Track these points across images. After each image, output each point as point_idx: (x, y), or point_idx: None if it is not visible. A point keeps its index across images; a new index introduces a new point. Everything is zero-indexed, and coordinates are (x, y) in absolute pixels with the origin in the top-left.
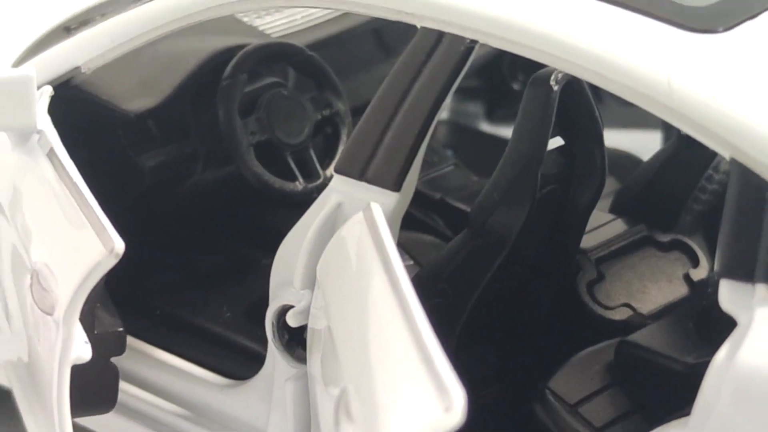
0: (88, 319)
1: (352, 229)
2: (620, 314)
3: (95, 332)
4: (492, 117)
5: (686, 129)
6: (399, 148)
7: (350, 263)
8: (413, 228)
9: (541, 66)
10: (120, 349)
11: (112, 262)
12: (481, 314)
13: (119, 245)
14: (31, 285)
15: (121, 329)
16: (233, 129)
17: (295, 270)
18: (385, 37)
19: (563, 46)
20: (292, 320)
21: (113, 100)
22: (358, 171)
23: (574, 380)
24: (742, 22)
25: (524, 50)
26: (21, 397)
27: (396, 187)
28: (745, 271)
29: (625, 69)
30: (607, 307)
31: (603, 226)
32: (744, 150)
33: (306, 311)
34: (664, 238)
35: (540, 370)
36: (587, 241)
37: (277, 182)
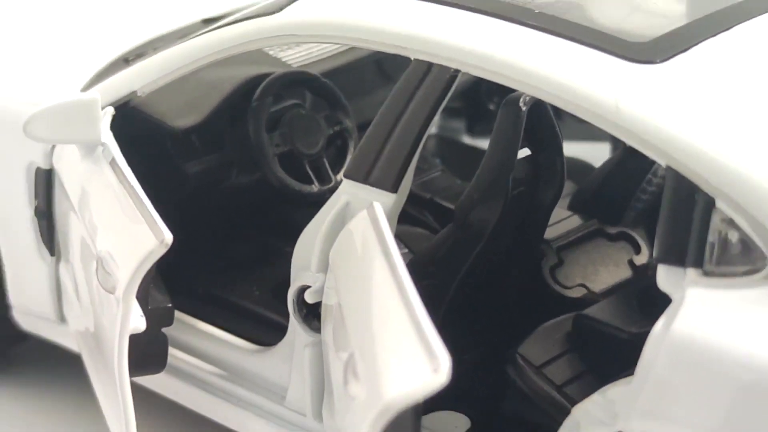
0: (143, 296)
1: (358, 224)
2: (577, 293)
3: (149, 307)
4: (472, 132)
5: (631, 142)
6: (396, 157)
7: (356, 251)
8: (408, 222)
9: (512, 90)
10: (169, 321)
11: (162, 250)
12: (463, 293)
13: (168, 237)
14: (96, 270)
15: (169, 305)
16: (261, 142)
17: (311, 257)
18: (384, 66)
19: (531, 75)
20: (309, 298)
21: (163, 118)
22: (363, 176)
23: (539, 346)
24: (675, 55)
25: (499, 78)
26: (88, 360)
27: (394, 189)
28: (678, 258)
29: (582, 93)
30: (565, 287)
31: (562, 220)
32: (677, 159)
33: (320, 290)
34: (612, 230)
35: (511, 339)
36: (550, 233)
37: (296, 185)
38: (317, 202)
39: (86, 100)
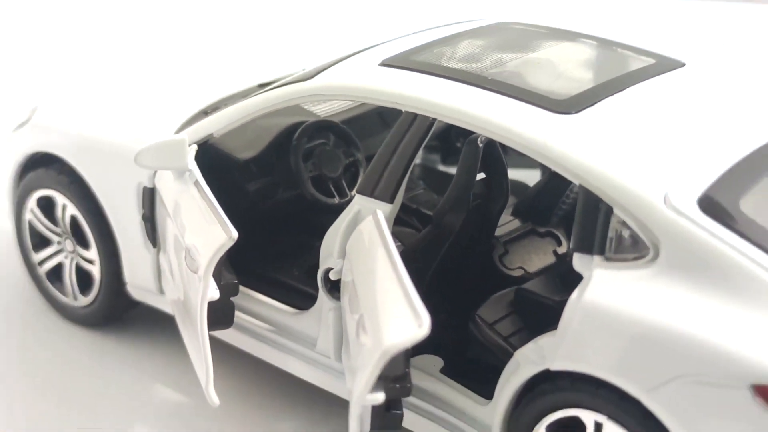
0: (217, 275)
1: (366, 225)
2: (517, 273)
3: (221, 282)
4: (445, 162)
5: (555, 168)
6: (392, 179)
7: (365, 244)
8: (400, 224)
9: (472, 133)
10: (235, 292)
11: (230, 244)
12: (438, 273)
13: (234, 234)
14: (185, 257)
15: (235, 281)
16: (299, 169)
17: (333, 248)
18: (384, 116)
19: (486, 122)
20: (333, 276)
21: (231, 152)
22: (370, 191)
23: (492, 310)
24: (584, 108)
25: (463, 124)
26: (179, 319)
27: (391, 201)
28: (588, 248)
29: (521, 134)
30: (509, 269)
31: (507, 223)
32: (587, 179)
33: (340, 271)
34: (542, 230)
35: (472, 305)
36: (498, 232)
37: (323, 199)
38: (337, 210)
39: (178, 140)
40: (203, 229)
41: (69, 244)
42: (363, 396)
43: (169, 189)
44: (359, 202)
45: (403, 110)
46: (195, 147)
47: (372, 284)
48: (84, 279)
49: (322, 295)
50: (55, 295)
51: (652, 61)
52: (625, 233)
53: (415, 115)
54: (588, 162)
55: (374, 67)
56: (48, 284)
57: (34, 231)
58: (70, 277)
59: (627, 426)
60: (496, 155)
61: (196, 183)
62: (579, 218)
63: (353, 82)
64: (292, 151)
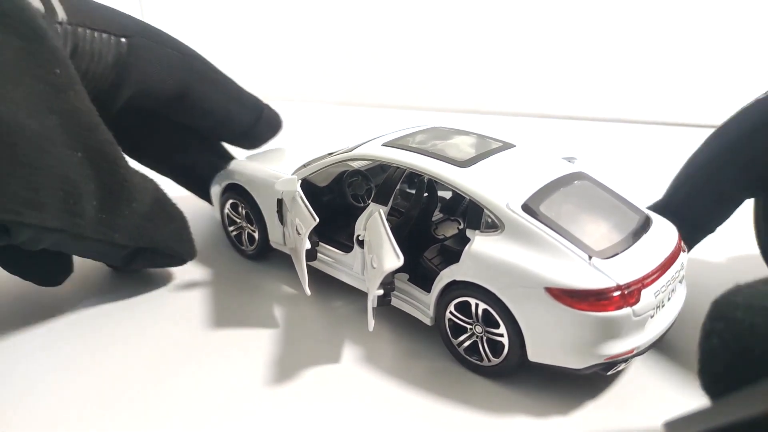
0: (310, 237)
1: (375, 215)
2: (441, 237)
3: (311, 240)
4: (410, 188)
5: (458, 191)
6: (387, 195)
7: (374, 224)
8: (390, 215)
9: (421, 175)
10: (317, 245)
11: (315, 224)
12: (407, 237)
13: (317, 219)
14: (296, 228)
15: (317, 239)
16: (345, 191)
17: (361, 225)
18: (384, 168)
19: (428, 170)
20: (360, 238)
21: (316, 182)
22: (377, 200)
23: (430, 253)
24: (472, 165)
25: (417, 171)
26: (293, 257)
27: (386, 204)
28: (473, 226)
29: (443, 175)
30: (438, 236)
31: (438, 215)
32: (472, 195)
33: (363, 236)
34: (453, 217)
35: (421, 251)
36: (433, 218)
37: (356, 204)
38: (363, 209)
39: (292, 178)
40: (304, 216)
41: (248, 227)
42: (373, 291)
43: (289, 201)
44: (372, 205)
45: (392, 165)
46: (299, 180)
47: (378, 242)
48: (251, 239)
49: (356, 247)
50: (238, 246)
51: (501, 143)
52: (489, 220)
53: (397, 168)
54: (473, 188)
55: (379, 146)
56: (235, 241)
57: (229, 218)
58: (244, 238)
59: (490, 306)
60: (431, 185)
61: (300, 197)
62: (469, 213)
63: (371, 152)
64: (343, 182)
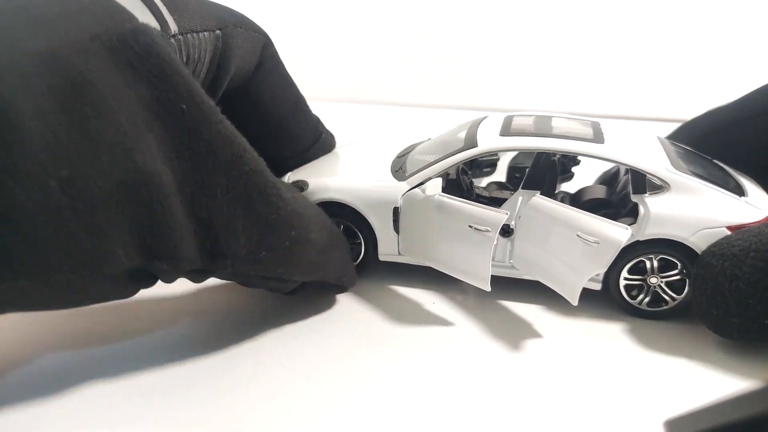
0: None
1: (536, 201)
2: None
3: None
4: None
5: (618, 163)
6: (537, 181)
7: (543, 209)
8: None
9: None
10: None
11: (505, 217)
12: None
13: (507, 213)
14: (472, 228)
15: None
16: (460, 178)
17: (509, 217)
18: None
19: (574, 150)
20: (512, 225)
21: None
22: (527, 187)
23: None
24: (604, 140)
25: (566, 152)
26: (431, 262)
27: (539, 190)
28: (639, 191)
29: (595, 153)
30: None
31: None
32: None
33: (513, 224)
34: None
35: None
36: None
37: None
38: (484, 200)
39: (437, 181)
40: (478, 215)
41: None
42: (596, 270)
43: (409, 206)
44: (524, 192)
45: (535, 152)
46: (440, 181)
47: (568, 223)
48: (356, 250)
49: (496, 236)
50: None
51: (588, 120)
52: (654, 183)
53: (539, 154)
54: (629, 159)
55: (498, 137)
56: None
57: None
58: None
59: (672, 256)
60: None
61: (448, 197)
62: (632, 181)
63: (496, 145)
64: (457, 177)
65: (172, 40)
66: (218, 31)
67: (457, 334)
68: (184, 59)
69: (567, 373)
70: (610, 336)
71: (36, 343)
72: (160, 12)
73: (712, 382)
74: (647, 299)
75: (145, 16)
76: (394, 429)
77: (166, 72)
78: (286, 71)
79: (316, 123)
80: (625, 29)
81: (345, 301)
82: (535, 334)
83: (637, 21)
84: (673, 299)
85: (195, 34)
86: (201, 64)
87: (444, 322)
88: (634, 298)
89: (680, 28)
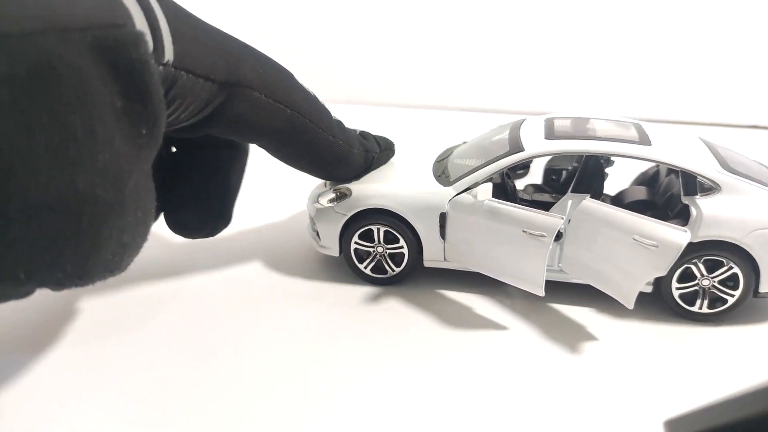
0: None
1: (587, 204)
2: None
3: None
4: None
5: (668, 165)
6: (587, 184)
7: (596, 213)
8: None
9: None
10: None
11: (562, 222)
12: None
13: (563, 217)
14: (528, 234)
15: None
16: (505, 182)
17: (560, 222)
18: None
19: (624, 153)
20: (561, 230)
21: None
22: (577, 191)
23: None
24: (651, 142)
25: (614, 155)
26: (492, 270)
27: (588, 193)
28: (690, 192)
29: (645, 156)
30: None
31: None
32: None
33: (563, 228)
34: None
35: None
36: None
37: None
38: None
39: (487, 185)
40: (535, 221)
41: (387, 250)
42: (654, 274)
43: (457, 214)
44: (573, 196)
45: (584, 155)
46: (491, 186)
47: (624, 226)
48: (394, 260)
49: (549, 240)
50: (376, 276)
51: (629, 121)
52: (705, 184)
53: (586, 157)
54: (680, 161)
55: (543, 140)
56: (368, 273)
57: (359, 251)
58: (385, 262)
59: (722, 257)
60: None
61: (499, 202)
62: (683, 183)
63: (544, 149)
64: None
65: (161, 67)
66: (225, 88)
67: (507, 336)
68: (166, 87)
69: (566, 373)
70: (610, 336)
71: (35, 344)
72: (160, 32)
73: (712, 382)
74: (706, 302)
75: (142, 26)
76: (441, 429)
77: (145, 97)
78: (323, 137)
79: (364, 160)
80: (627, 33)
81: (391, 304)
82: (586, 337)
83: (641, 25)
84: (731, 295)
85: (192, 76)
86: (191, 102)
87: (493, 325)
88: (692, 305)
89: (683, 31)
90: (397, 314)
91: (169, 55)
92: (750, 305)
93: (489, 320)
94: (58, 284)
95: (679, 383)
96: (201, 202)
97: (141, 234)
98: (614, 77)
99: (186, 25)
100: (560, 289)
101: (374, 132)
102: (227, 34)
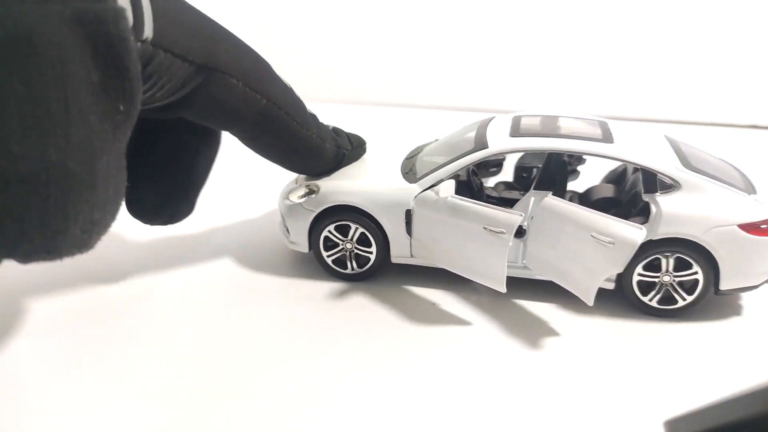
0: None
1: (549, 201)
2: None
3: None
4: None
5: (627, 163)
6: (549, 182)
7: (556, 210)
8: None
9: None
10: None
11: (521, 219)
12: None
13: (522, 215)
14: (487, 230)
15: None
16: (470, 179)
17: (521, 218)
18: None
19: (584, 151)
20: (524, 226)
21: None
22: (540, 188)
23: None
24: (612, 139)
25: (575, 152)
26: (444, 264)
27: (551, 190)
28: (650, 190)
29: (605, 153)
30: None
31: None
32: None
33: (526, 225)
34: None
35: None
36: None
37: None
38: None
39: (449, 182)
40: (494, 217)
41: (356, 248)
42: (613, 271)
43: (422, 210)
44: (536, 193)
45: (544, 152)
46: (453, 183)
47: (581, 223)
48: (359, 260)
49: (509, 237)
50: (335, 270)
51: (595, 119)
52: (665, 182)
53: (549, 154)
54: (639, 158)
55: (508, 138)
56: (332, 265)
57: (328, 241)
58: (349, 260)
59: (683, 254)
60: (562, 163)
61: (461, 199)
62: (643, 180)
63: (507, 146)
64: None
65: (140, 43)
66: (201, 71)
67: (472, 333)
68: (141, 64)
69: (565, 372)
70: (610, 336)
71: (33, 345)
72: (141, 9)
73: (712, 382)
74: (658, 297)
75: (124, 2)
76: (407, 427)
77: (122, 72)
78: (297, 131)
79: (335, 155)
80: (626, 31)
81: (358, 300)
82: (548, 333)
83: (638, 22)
84: (683, 299)
85: (170, 55)
86: (167, 81)
87: (459, 321)
88: (646, 295)
89: (682, 29)
90: (364, 310)
91: (148, 32)
92: (710, 301)
93: (455, 316)
94: (25, 257)
95: (637, 379)
96: (160, 180)
97: (111, 212)
98: (614, 77)
99: (169, 4)
100: (525, 286)
101: (348, 130)
102: (210, 19)
